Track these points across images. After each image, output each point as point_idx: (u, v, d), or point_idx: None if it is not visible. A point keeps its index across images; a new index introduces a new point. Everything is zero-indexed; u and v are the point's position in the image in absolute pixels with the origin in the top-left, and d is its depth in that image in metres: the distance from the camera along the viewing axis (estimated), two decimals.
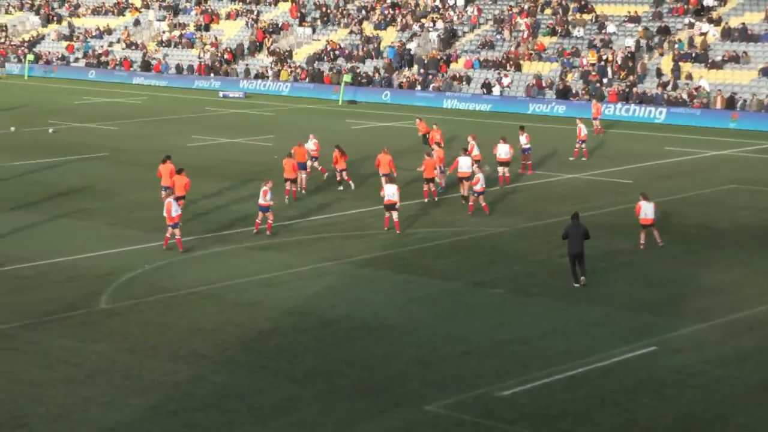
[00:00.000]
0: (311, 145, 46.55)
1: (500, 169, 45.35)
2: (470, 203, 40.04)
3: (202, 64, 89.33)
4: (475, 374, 23.99)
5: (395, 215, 37.09)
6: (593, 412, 21.97)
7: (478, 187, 39.27)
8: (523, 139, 48.06)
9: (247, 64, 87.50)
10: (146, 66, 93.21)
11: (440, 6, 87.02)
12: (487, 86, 75.02)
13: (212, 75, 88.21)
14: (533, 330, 27.09)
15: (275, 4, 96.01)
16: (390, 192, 36.92)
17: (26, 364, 24.70)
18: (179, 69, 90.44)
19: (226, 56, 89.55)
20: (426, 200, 41.92)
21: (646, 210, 34.67)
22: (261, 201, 36.48)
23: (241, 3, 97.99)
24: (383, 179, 39.14)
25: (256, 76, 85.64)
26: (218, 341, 26.22)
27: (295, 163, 42.76)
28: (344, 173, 44.48)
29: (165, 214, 34.61)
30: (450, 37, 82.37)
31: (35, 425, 21.38)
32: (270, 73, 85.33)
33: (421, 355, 25.22)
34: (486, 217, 39.24)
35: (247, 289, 30.73)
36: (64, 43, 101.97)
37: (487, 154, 45.83)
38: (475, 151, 44.74)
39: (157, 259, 33.99)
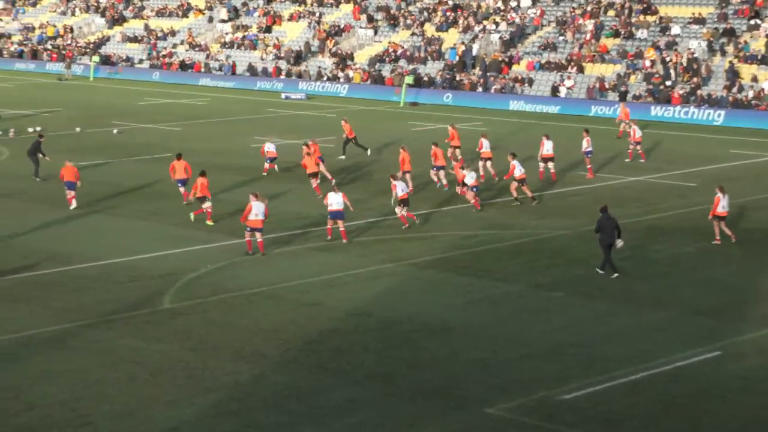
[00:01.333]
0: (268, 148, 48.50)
1: (547, 165, 46.46)
2: (472, 199, 40.87)
3: (275, 66, 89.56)
4: (536, 377, 23.91)
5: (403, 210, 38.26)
6: (656, 416, 21.80)
7: (468, 181, 40.56)
8: (585, 143, 47.92)
9: (319, 66, 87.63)
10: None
11: (502, 8, 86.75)
12: (554, 88, 74.68)
13: (283, 76, 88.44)
14: (594, 333, 26.94)
15: (337, 6, 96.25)
16: (403, 188, 38.29)
17: (90, 363, 24.96)
18: (254, 71, 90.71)
19: (291, 57, 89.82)
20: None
21: (723, 203, 35.07)
22: (335, 207, 36.24)
23: (303, 5, 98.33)
24: (395, 176, 40.16)
25: (326, 78, 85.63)
26: (280, 341, 26.35)
27: (317, 159, 44.14)
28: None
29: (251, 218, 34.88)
30: (518, 37, 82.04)
31: (100, 423, 21.61)
32: (341, 75, 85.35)
33: (482, 357, 25.18)
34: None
35: (308, 290, 30.83)
36: (129, 45, 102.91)
37: (532, 153, 46.11)
38: (486, 149, 46.43)
39: (219, 259, 34.21)
